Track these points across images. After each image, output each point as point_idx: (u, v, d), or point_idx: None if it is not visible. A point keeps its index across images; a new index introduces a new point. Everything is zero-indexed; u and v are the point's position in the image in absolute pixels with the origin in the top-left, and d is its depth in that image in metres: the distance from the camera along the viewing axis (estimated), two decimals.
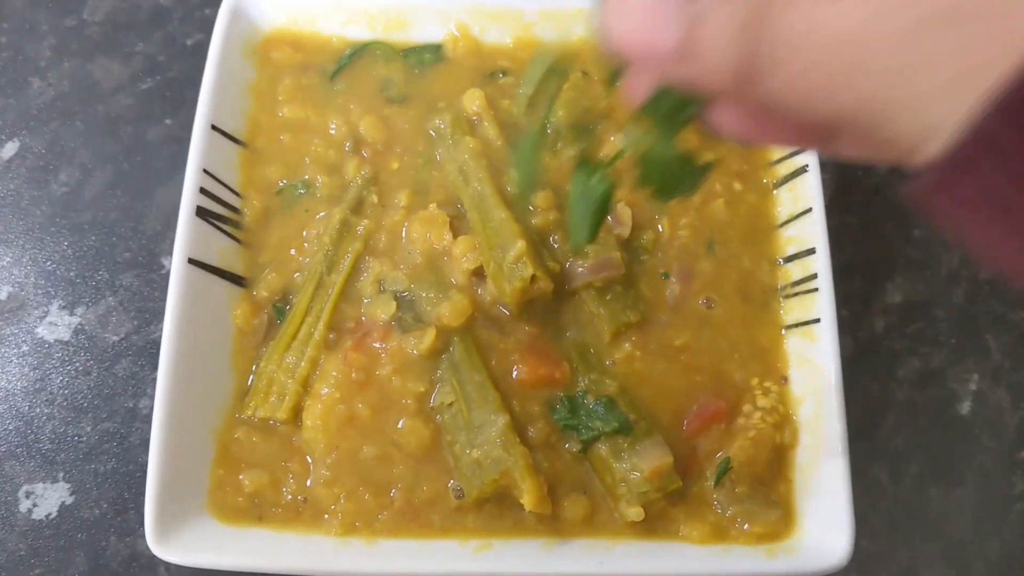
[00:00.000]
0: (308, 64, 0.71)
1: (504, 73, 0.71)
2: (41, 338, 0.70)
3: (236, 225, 0.65)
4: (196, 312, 0.60)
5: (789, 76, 0.26)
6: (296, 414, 0.61)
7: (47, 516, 0.65)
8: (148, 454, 0.56)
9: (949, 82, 0.23)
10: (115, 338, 0.70)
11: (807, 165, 0.65)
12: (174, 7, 0.81)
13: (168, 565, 0.63)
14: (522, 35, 0.71)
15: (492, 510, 0.58)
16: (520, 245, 0.60)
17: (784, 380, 0.62)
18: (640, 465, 0.57)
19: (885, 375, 0.70)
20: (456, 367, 0.60)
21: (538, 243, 0.63)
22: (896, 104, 0.25)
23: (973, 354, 0.71)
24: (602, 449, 0.59)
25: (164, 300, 0.59)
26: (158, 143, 0.76)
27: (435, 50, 0.71)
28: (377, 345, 0.62)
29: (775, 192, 0.68)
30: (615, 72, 0.37)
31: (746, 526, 0.58)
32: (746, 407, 0.61)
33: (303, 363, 0.61)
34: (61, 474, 0.66)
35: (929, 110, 0.24)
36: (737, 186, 0.68)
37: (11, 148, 0.76)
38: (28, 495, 0.65)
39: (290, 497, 0.59)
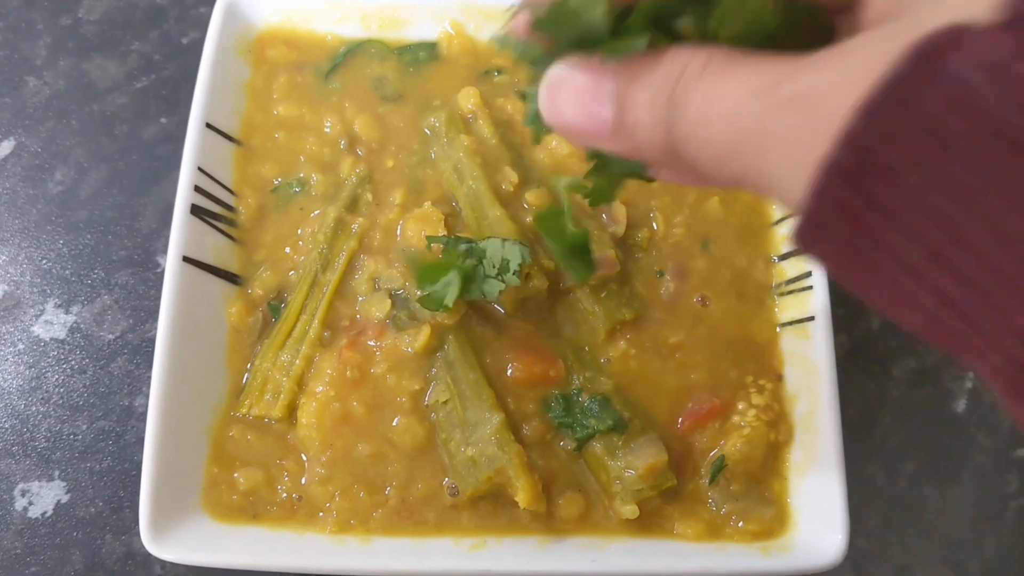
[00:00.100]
0: (303, 62, 0.71)
1: (499, 71, 0.71)
2: (37, 336, 0.70)
3: (231, 223, 0.65)
4: (191, 310, 0.60)
5: (696, 147, 0.29)
6: (291, 412, 0.61)
7: (43, 514, 0.65)
8: (143, 452, 0.56)
9: (796, 162, 0.26)
10: (110, 336, 0.70)
11: None
12: (169, 6, 0.81)
13: (163, 563, 0.63)
14: None
15: (487, 508, 0.58)
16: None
17: (779, 378, 0.62)
18: (635, 463, 0.57)
19: (880, 373, 0.70)
20: (451, 365, 0.60)
21: (533, 240, 0.63)
22: (766, 177, 0.28)
23: None
24: (597, 447, 0.59)
25: (159, 298, 0.59)
26: (153, 142, 0.76)
27: (430, 48, 0.71)
28: (372, 343, 0.62)
29: None
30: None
31: (741, 524, 0.58)
32: (741, 405, 0.61)
33: (298, 361, 0.61)
34: (57, 472, 0.66)
35: (787, 187, 0.26)
36: None
37: (7, 147, 0.76)
38: (24, 493, 0.65)
39: (285, 495, 0.59)
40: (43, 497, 0.65)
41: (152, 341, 0.61)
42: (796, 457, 0.60)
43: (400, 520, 0.58)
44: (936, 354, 0.71)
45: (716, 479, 0.59)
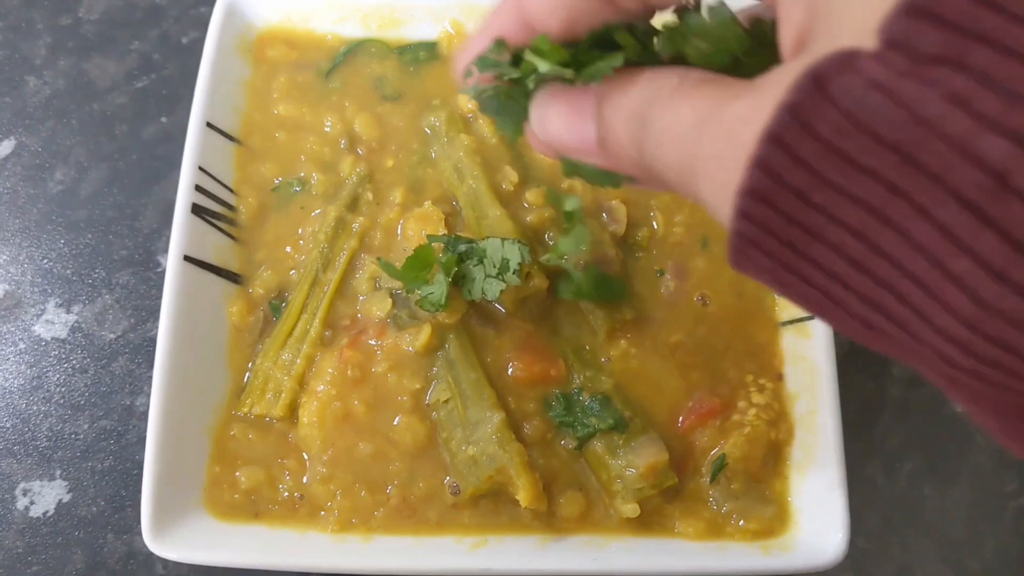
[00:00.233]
0: (303, 62, 0.71)
1: None
2: (38, 336, 0.70)
3: (231, 222, 0.65)
4: (192, 309, 0.60)
5: (659, 168, 0.31)
6: (292, 411, 0.61)
7: (44, 514, 0.65)
8: (145, 451, 0.56)
9: (722, 187, 0.27)
10: (111, 336, 0.70)
11: None
12: (169, 5, 0.81)
13: (165, 562, 0.63)
14: None
15: (488, 507, 0.58)
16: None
17: (779, 377, 0.62)
18: (635, 462, 0.57)
19: (880, 373, 0.70)
20: (451, 364, 0.60)
21: (533, 240, 0.63)
22: (703, 200, 0.29)
23: None
24: (597, 446, 0.59)
25: (160, 298, 0.59)
26: (154, 141, 0.76)
27: (429, 48, 0.71)
28: (373, 342, 0.62)
29: None
30: None
31: (741, 523, 0.58)
32: (741, 404, 0.61)
33: (299, 360, 0.61)
34: (58, 472, 0.66)
35: (719, 210, 0.28)
36: None
37: (7, 146, 0.76)
38: (25, 493, 0.65)
39: (286, 494, 0.59)
40: (44, 496, 0.65)
41: (153, 340, 0.61)
42: (797, 456, 0.60)
43: (401, 519, 0.58)
44: None
45: (717, 478, 0.59)
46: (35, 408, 0.68)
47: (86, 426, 0.67)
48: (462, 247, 0.59)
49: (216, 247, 0.63)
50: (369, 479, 0.59)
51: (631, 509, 0.57)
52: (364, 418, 0.60)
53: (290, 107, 0.69)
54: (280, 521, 0.58)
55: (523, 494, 0.56)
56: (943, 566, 0.65)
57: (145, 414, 0.59)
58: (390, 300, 0.62)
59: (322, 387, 0.60)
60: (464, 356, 0.60)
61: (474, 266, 0.59)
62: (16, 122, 0.77)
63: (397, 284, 0.63)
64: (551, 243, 0.64)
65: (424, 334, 0.60)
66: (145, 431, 0.57)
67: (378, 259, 0.61)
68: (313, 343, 0.62)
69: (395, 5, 0.71)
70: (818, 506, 0.58)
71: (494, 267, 0.58)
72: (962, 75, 0.22)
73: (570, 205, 0.60)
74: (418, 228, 0.64)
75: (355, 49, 0.71)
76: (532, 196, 0.65)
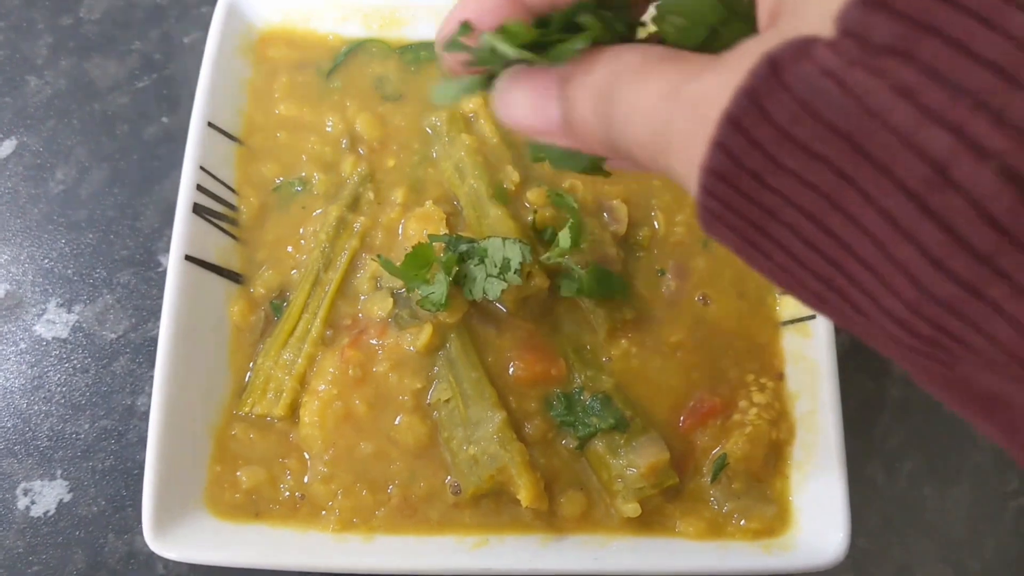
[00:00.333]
0: (304, 62, 0.71)
1: None
2: (39, 336, 0.70)
3: (233, 222, 0.65)
4: (193, 309, 0.60)
5: (626, 144, 0.31)
6: (293, 411, 0.61)
7: (45, 513, 0.65)
8: (146, 451, 0.56)
9: (689, 161, 0.27)
10: (112, 336, 0.70)
11: None
12: (170, 5, 0.81)
13: (166, 562, 0.63)
14: None
15: (489, 506, 0.58)
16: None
17: (780, 376, 0.62)
18: (636, 461, 0.57)
19: (880, 372, 0.70)
20: (452, 364, 0.60)
21: (534, 239, 0.63)
22: (673, 174, 0.29)
23: None
24: (598, 445, 0.59)
25: (161, 297, 0.59)
26: (155, 141, 0.76)
27: (431, 47, 0.71)
28: (374, 342, 0.62)
29: None
30: None
31: (742, 522, 0.58)
32: (742, 403, 0.61)
33: (300, 360, 0.61)
34: (59, 471, 0.66)
35: (688, 183, 0.28)
36: None
37: (8, 146, 0.76)
38: (26, 492, 0.65)
39: (287, 494, 0.59)
40: (45, 496, 0.65)
41: (154, 340, 0.61)
42: (797, 456, 0.60)
43: (402, 518, 0.58)
44: None
45: (718, 477, 0.59)
46: (36, 408, 0.68)
47: (87, 426, 0.67)
48: (463, 247, 0.59)
49: (217, 247, 0.63)
50: (370, 479, 0.59)
51: (632, 509, 0.57)
52: (365, 418, 0.60)
53: (291, 107, 0.69)
54: (281, 521, 0.58)
55: (524, 494, 0.56)
56: (943, 566, 0.65)
57: (146, 414, 0.59)
58: (391, 300, 0.62)
59: (323, 387, 0.60)
60: (465, 355, 0.60)
61: (475, 266, 0.59)
62: (17, 122, 0.77)
63: (398, 284, 0.63)
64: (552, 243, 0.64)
65: (425, 334, 0.60)
66: (146, 431, 0.57)
67: (378, 256, 0.61)
68: (314, 343, 0.62)
69: (396, 5, 0.71)
70: (819, 506, 0.58)
71: (495, 267, 0.58)
72: (911, 67, 0.22)
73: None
74: (419, 228, 0.64)
75: (356, 49, 0.71)
76: (533, 196, 0.65)
